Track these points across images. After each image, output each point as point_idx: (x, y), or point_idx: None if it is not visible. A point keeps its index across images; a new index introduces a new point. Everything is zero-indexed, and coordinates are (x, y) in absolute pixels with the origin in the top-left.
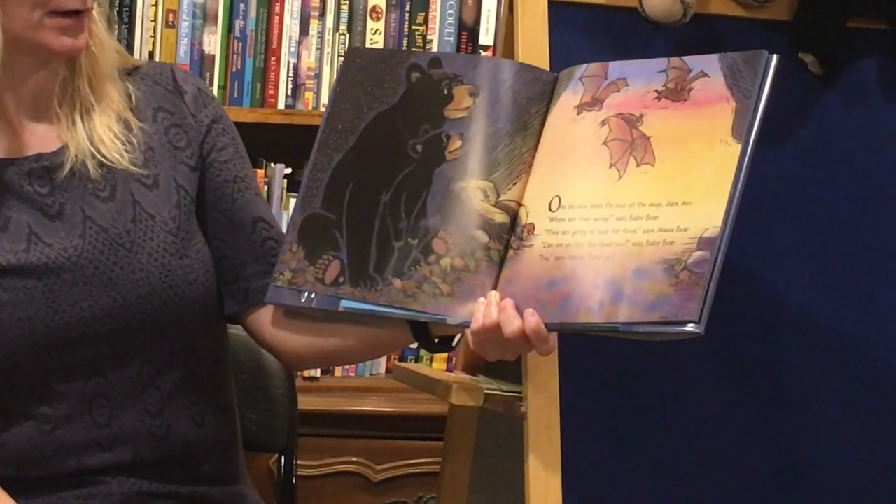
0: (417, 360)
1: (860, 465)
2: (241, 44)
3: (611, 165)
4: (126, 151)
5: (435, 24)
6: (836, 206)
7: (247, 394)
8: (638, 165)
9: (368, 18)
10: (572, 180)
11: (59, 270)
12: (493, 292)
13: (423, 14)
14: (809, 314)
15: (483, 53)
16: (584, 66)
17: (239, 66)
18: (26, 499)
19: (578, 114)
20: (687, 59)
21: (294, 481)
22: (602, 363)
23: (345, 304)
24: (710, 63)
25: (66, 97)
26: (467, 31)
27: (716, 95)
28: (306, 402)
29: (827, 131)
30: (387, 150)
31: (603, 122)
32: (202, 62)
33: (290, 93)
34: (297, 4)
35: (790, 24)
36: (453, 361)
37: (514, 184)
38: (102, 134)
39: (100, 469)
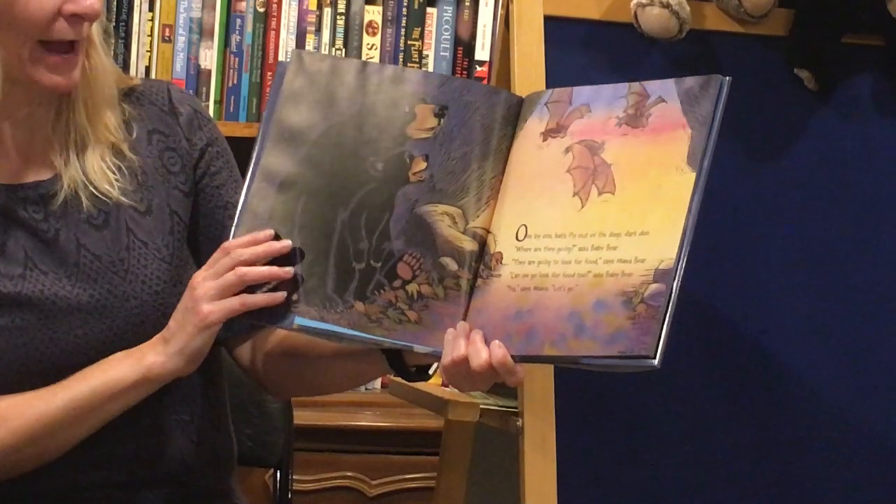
0: None
1: (862, 473)
2: (237, 59)
3: (574, 194)
4: (117, 181)
5: (431, 40)
6: (832, 217)
7: (242, 409)
8: (599, 194)
9: (364, 34)
10: (538, 209)
11: (55, 298)
12: (463, 323)
13: (419, 29)
14: (810, 323)
15: (479, 69)
16: (550, 91)
17: (235, 81)
18: None
19: (544, 140)
20: (646, 84)
21: (290, 496)
22: (598, 377)
23: (299, 321)
24: (667, 88)
25: (59, 127)
26: (463, 46)
27: (672, 122)
28: (302, 417)
29: (823, 146)
30: (342, 166)
31: (567, 150)
32: (198, 77)
33: None
34: (294, 19)
35: (786, 39)
36: None
37: (483, 210)
38: (95, 165)
39: (94, 486)
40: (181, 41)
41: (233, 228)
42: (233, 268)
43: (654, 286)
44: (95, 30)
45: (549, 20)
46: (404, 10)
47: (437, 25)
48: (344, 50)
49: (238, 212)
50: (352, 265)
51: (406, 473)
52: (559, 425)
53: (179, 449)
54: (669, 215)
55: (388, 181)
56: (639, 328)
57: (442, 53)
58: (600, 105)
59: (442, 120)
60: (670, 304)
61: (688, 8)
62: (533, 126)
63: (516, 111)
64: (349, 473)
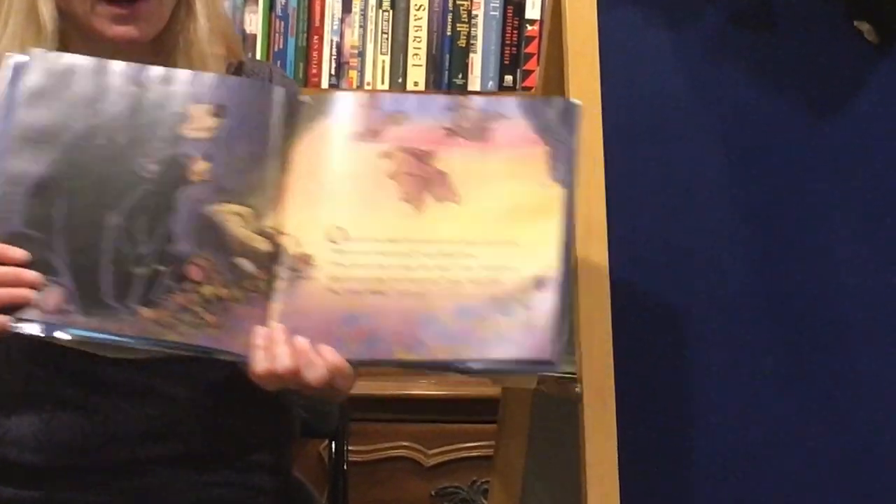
0: None
1: None
2: (282, 22)
3: (403, 199)
4: None
5: None
6: (893, 175)
7: None
8: (438, 201)
9: None
10: (355, 212)
11: None
12: (279, 326)
13: None
14: (875, 291)
15: (529, 28)
16: (340, 94)
17: (281, 46)
18: (79, 489)
19: (351, 142)
20: (476, 99)
21: (345, 467)
22: (659, 340)
23: (72, 332)
24: (505, 105)
25: None
26: (513, 6)
27: (522, 138)
28: (357, 387)
29: (883, 99)
30: (106, 168)
31: (385, 155)
32: (244, 41)
33: (333, 72)
34: None
35: None
36: None
37: (272, 210)
38: None
39: (152, 460)
40: (226, 6)
41: None
42: None
43: (537, 294)
44: None
45: None
46: None
47: None
48: (392, 11)
49: None
50: (131, 270)
51: (463, 442)
52: (619, 390)
53: (236, 425)
54: (540, 226)
55: (164, 183)
56: (527, 334)
57: (491, 13)
58: (421, 114)
59: (222, 119)
60: (563, 311)
61: None
62: (327, 127)
63: (297, 110)
64: (405, 443)
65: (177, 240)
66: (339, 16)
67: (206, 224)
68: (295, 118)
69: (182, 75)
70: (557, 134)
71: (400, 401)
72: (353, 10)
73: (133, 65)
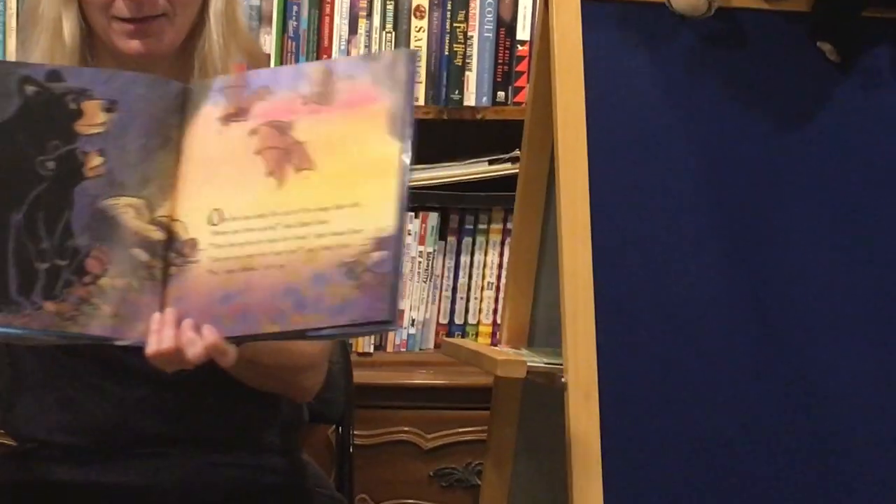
0: (464, 335)
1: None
2: (294, 43)
3: (269, 174)
4: None
5: (475, 21)
6: (853, 183)
7: None
8: (297, 172)
9: (412, 17)
10: (230, 193)
11: None
12: (169, 310)
13: (464, 12)
14: (844, 310)
15: (520, 48)
16: (221, 77)
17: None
18: (102, 469)
19: (224, 125)
20: (332, 62)
21: (351, 450)
22: (638, 334)
23: None
24: (356, 66)
25: None
26: (505, 27)
27: (364, 96)
28: (361, 377)
29: (844, 115)
30: (6, 168)
31: (252, 132)
32: None
33: None
34: (346, 5)
35: (809, 15)
36: (498, 336)
37: (166, 200)
38: None
39: (169, 442)
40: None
41: None
42: None
43: (376, 254)
44: (216, 10)
45: (586, 1)
46: None
47: (480, 8)
48: (394, 33)
49: None
50: (34, 266)
51: (459, 427)
52: (601, 380)
53: (250, 410)
54: (380, 185)
55: (61, 179)
56: (369, 296)
57: (485, 34)
58: (283, 86)
59: (113, 114)
60: (398, 269)
61: None
62: (207, 112)
63: (182, 100)
64: (406, 428)
65: (75, 234)
66: (346, 37)
67: (102, 217)
68: (185, 107)
69: (71, 72)
70: (394, 87)
71: (401, 389)
72: (359, 31)
73: (29, 65)
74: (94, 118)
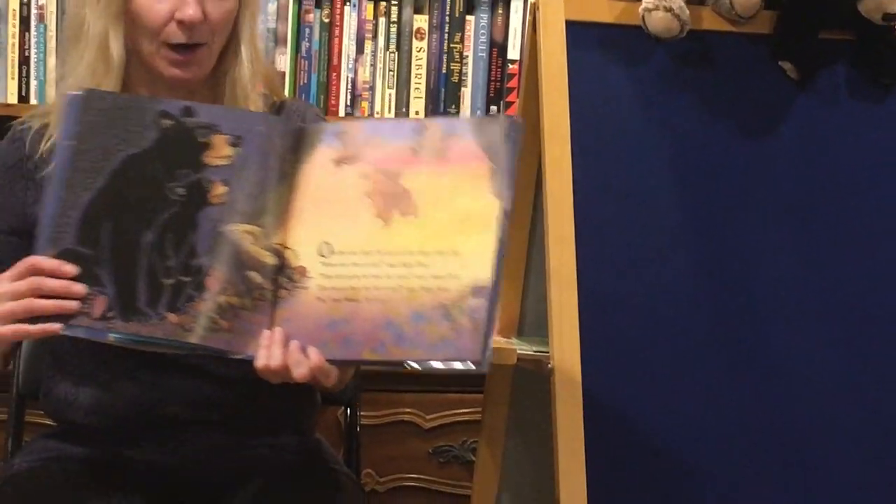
0: None
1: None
2: (306, 62)
3: (376, 215)
4: None
5: (470, 43)
6: (815, 189)
7: None
8: (402, 216)
9: (414, 38)
10: (339, 228)
11: None
12: (277, 330)
13: (460, 34)
14: (801, 304)
15: (511, 66)
16: (332, 123)
17: (305, 81)
18: (134, 448)
19: (337, 166)
20: (437, 121)
21: (358, 429)
22: (618, 325)
23: (114, 335)
24: (460, 126)
25: None
26: (497, 48)
27: (470, 154)
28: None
29: (802, 127)
30: (143, 192)
31: (363, 175)
32: None
33: (348, 103)
34: (354, 28)
35: (771, 36)
36: None
37: (280, 229)
38: None
39: (196, 426)
40: (260, 48)
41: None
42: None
43: (473, 301)
44: (246, 38)
45: (570, 24)
46: (447, 17)
47: (475, 30)
48: (397, 53)
49: (45, 232)
50: (161, 281)
51: (456, 409)
52: (584, 366)
53: (267, 396)
54: (480, 238)
55: (189, 204)
56: (464, 338)
57: (479, 54)
58: (394, 138)
59: (239, 149)
60: (492, 316)
61: (687, 11)
62: (322, 153)
63: (299, 139)
64: (408, 409)
65: (198, 254)
66: (354, 56)
67: (222, 241)
68: (300, 146)
69: (202, 109)
70: (499, 151)
71: (404, 375)
72: (366, 51)
73: (165, 100)
74: (220, 151)
